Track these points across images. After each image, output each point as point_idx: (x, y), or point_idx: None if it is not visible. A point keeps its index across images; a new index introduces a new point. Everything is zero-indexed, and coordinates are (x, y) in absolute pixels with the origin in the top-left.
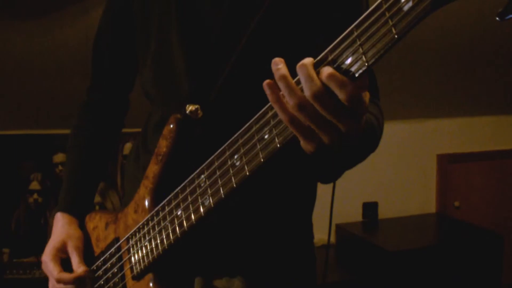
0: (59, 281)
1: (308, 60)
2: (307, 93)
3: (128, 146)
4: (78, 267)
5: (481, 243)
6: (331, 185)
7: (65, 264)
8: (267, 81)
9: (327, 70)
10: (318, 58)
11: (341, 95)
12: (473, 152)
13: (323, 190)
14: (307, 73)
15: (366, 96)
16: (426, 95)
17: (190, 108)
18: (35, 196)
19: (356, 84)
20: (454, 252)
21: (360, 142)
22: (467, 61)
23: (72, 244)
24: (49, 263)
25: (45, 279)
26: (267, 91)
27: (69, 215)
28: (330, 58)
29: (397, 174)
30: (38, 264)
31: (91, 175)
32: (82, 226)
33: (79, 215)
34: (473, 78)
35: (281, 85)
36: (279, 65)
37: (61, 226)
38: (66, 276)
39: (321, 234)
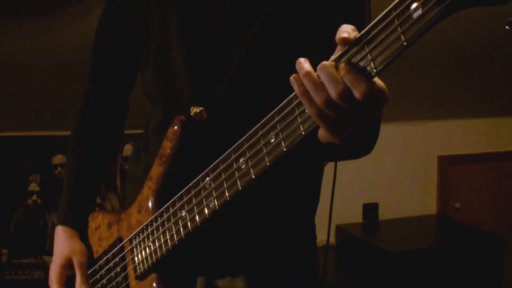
0: None
1: (328, 62)
2: (332, 93)
3: (127, 148)
4: (81, 287)
5: (482, 245)
6: (331, 186)
7: (69, 279)
8: (294, 75)
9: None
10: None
11: (357, 93)
12: (474, 154)
13: (323, 191)
14: (331, 74)
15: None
16: (427, 97)
17: (194, 110)
18: (34, 197)
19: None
20: (454, 254)
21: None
22: (468, 63)
23: (77, 261)
24: (54, 283)
25: (43, 280)
26: (294, 85)
27: (70, 229)
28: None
29: (397, 175)
30: (37, 265)
31: (91, 182)
32: (83, 238)
33: (80, 227)
34: (473, 80)
35: (306, 81)
36: (303, 63)
37: (65, 241)
38: None
39: (321, 235)
